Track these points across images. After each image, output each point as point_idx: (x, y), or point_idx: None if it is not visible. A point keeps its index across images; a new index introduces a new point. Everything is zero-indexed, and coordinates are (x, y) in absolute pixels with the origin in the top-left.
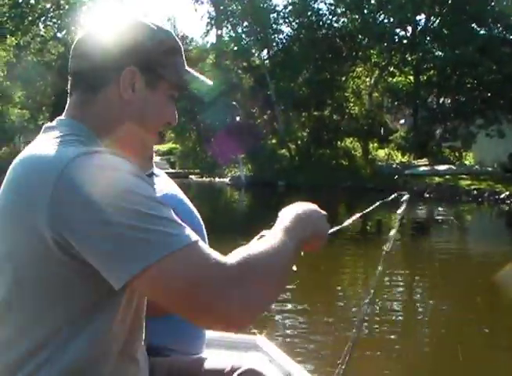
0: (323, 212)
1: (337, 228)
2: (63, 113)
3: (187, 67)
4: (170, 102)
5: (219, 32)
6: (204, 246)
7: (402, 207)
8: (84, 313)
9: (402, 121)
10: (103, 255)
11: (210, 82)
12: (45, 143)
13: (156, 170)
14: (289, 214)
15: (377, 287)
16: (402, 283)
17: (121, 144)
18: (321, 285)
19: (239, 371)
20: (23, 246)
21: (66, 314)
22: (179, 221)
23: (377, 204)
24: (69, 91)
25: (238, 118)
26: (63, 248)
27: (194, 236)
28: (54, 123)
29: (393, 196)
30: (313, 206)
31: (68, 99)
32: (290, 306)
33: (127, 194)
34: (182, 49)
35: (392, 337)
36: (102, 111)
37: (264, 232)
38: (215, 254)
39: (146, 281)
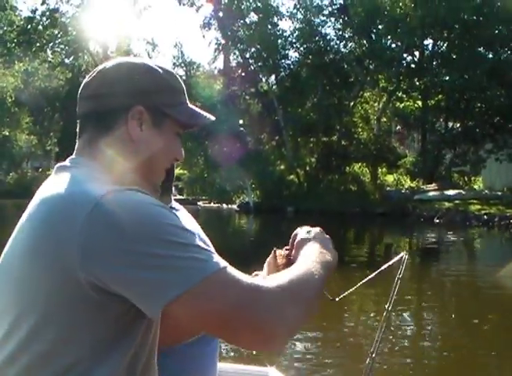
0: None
1: (345, 294)
2: (74, 153)
3: (190, 105)
4: (176, 139)
5: (227, 58)
6: (235, 270)
7: (401, 268)
8: (106, 344)
9: (411, 147)
10: (139, 284)
11: (212, 118)
12: (66, 182)
13: (175, 204)
14: (311, 242)
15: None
16: (411, 309)
17: (132, 181)
18: (331, 313)
19: None
20: (49, 285)
21: (88, 345)
22: (209, 248)
23: (382, 269)
24: (78, 132)
25: (246, 144)
26: (93, 285)
27: (224, 262)
28: (67, 162)
29: (395, 259)
30: (320, 231)
31: (77, 140)
32: (300, 336)
33: (158, 225)
34: (184, 89)
35: (404, 365)
36: (113, 151)
37: (257, 272)
38: (248, 278)
39: (183, 306)
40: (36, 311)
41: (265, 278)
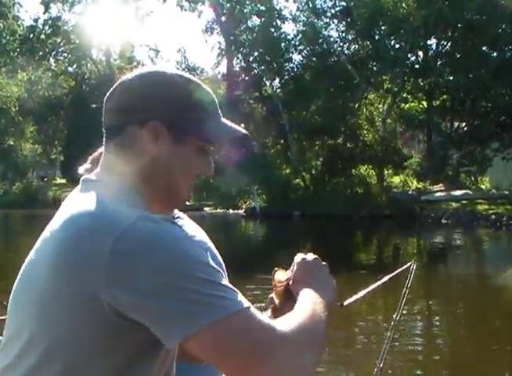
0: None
1: (352, 300)
2: (100, 166)
3: (222, 119)
4: (200, 155)
5: (230, 62)
6: (257, 311)
7: (410, 278)
8: (121, 371)
9: (416, 148)
10: (161, 314)
11: (243, 131)
12: (95, 201)
13: (178, 213)
14: (310, 276)
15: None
16: (420, 312)
17: (155, 197)
18: (337, 320)
19: None
20: (70, 303)
21: (101, 372)
22: (232, 287)
23: (388, 277)
24: (104, 144)
25: (251, 149)
26: (115, 310)
27: (247, 302)
28: (93, 177)
29: (403, 268)
30: (318, 260)
31: (103, 152)
32: None
33: (185, 259)
34: (216, 102)
35: (414, 369)
36: (132, 166)
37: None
38: (268, 320)
39: (200, 342)
40: (52, 329)
41: (279, 319)
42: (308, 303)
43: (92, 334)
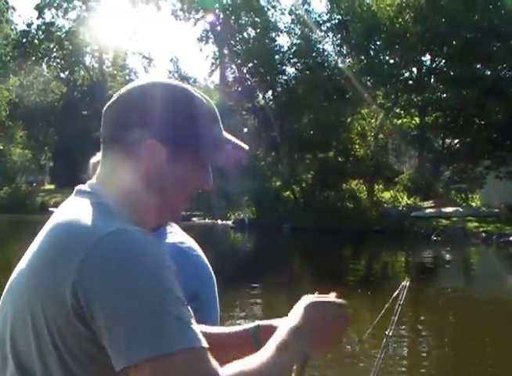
0: (339, 303)
1: (368, 332)
2: (96, 177)
3: (223, 134)
4: (198, 169)
5: (223, 72)
6: (209, 355)
7: (403, 294)
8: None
9: (407, 163)
10: (112, 335)
11: (246, 147)
12: (80, 212)
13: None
14: (296, 319)
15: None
16: (409, 328)
17: (150, 211)
18: None
19: None
20: (47, 308)
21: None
22: (195, 323)
23: (390, 300)
24: (101, 155)
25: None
26: (79, 314)
27: (204, 342)
28: (87, 187)
29: (399, 289)
30: (326, 303)
31: (100, 163)
32: None
33: (153, 284)
34: (217, 116)
35: None
36: (126, 181)
37: (257, 322)
38: (217, 366)
39: (143, 372)
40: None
41: (228, 366)
42: (269, 351)
43: (65, 343)
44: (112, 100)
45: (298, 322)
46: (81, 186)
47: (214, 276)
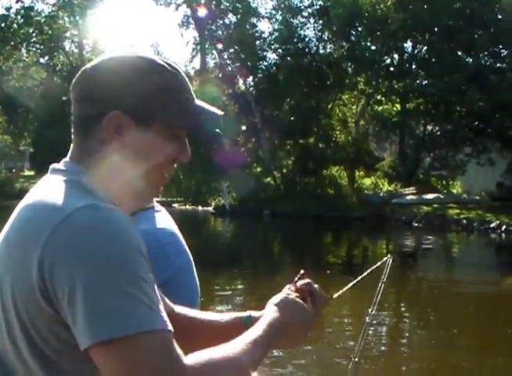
0: (307, 311)
1: (340, 293)
2: (68, 155)
3: (195, 102)
4: (171, 140)
5: (204, 58)
6: (173, 340)
7: (386, 271)
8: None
9: (388, 150)
10: (75, 314)
11: (220, 112)
12: (51, 189)
13: (156, 205)
14: (271, 322)
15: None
16: (388, 315)
17: (125, 188)
18: None
19: None
20: (15, 288)
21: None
22: (162, 308)
23: (368, 272)
24: (72, 133)
25: (222, 146)
26: (44, 294)
27: (170, 327)
28: (61, 165)
29: (380, 263)
30: (298, 310)
31: (73, 138)
32: None
33: (117, 263)
34: (187, 83)
35: (385, 368)
36: (97, 156)
37: (249, 312)
38: (180, 351)
39: (105, 353)
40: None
41: (196, 354)
42: (240, 342)
43: (34, 323)
44: (77, 76)
45: (273, 316)
46: (55, 165)
47: (191, 263)
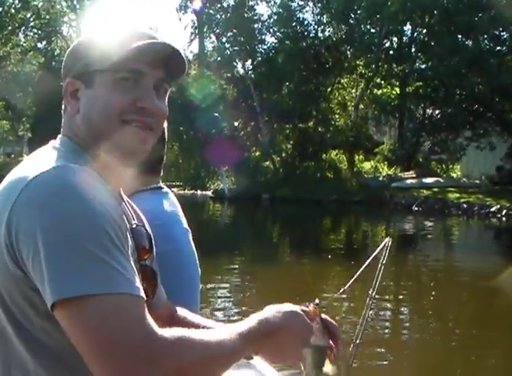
0: (308, 324)
1: (346, 287)
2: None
3: (140, 42)
4: (122, 85)
5: (202, 42)
6: (143, 306)
7: (385, 253)
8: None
9: (387, 134)
10: (40, 274)
11: (168, 43)
12: (36, 156)
13: (163, 187)
14: (266, 317)
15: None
16: (388, 299)
17: (103, 153)
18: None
19: None
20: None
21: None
22: (132, 271)
23: (369, 260)
24: None
25: (221, 130)
26: (12, 255)
27: (139, 291)
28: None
29: (379, 248)
30: (298, 319)
31: None
32: None
33: (82, 224)
34: (136, 33)
35: (382, 351)
36: (71, 125)
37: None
38: (151, 320)
39: (66, 311)
40: None
41: (173, 328)
42: (225, 331)
43: (11, 289)
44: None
45: (265, 314)
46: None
47: (179, 253)
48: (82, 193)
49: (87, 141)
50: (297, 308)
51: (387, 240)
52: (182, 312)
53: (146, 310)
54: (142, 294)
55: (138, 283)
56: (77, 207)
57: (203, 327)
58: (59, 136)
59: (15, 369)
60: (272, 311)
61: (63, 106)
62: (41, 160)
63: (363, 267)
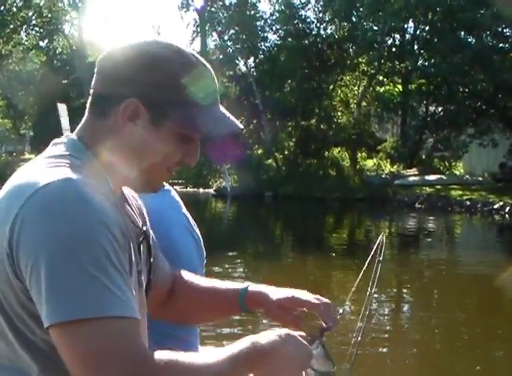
0: (304, 345)
1: (342, 310)
2: (76, 130)
3: (216, 110)
4: (182, 141)
5: (204, 40)
6: (136, 328)
7: (380, 250)
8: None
9: (390, 131)
10: (37, 292)
11: (239, 126)
12: (35, 164)
13: (165, 185)
14: (257, 341)
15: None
16: (389, 297)
17: (122, 176)
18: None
19: None
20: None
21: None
22: (129, 291)
23: (368, 259)
24: (87, 106)
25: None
26: (12, 267)
27: (135, 312)
28: (62, 139)
29: (376, 245)
30: (292, 341)
31: (85, 114)
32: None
33: (82, 242)
34: (212, 88)
35: (384, 351)
36: (106, 138)
37: (247, 283)
38: (143, 341)
39: (61, 334)
40: None
41: (164, 352)
42: (215, 357)
43: (10, 300)
44: (105, 54)
45: (261, 336)
46: (57, 139)
47: (202, 246)
48: (85, 212)
49: (107, 160)
50: (294, 332)
51: (381, 236)
52: (187, 276)
53: (140, 332)
54: (137, 315)
55: (132, 303)
56: (80, 228)
57: (207, 291)
58: (70, 136)
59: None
60: (266, 334)
61: (89, 106)
62: (47, 166)
63: (360, 275)
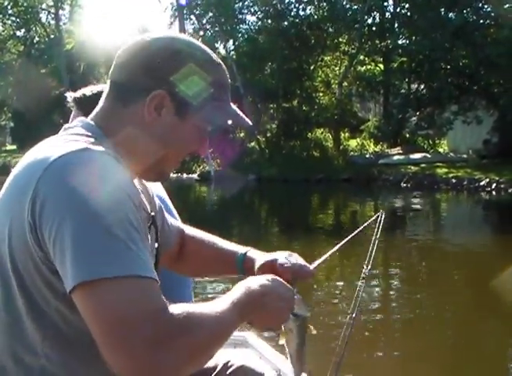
0: (289, 288)
1: (320, 261)
2: (91, 115)
3: (230, 105)
4: (198, 133)
5: (182, 24)
6: (158, 289)
7: (378, 227)
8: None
9: (372, 111)
10: (61, 256)
11: (249, 122)
12: (50, 141)
13: None
14: (250, 286)
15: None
16: (380, 275)
17: (138, 164)
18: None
19: (231, 369)
20: (12, 228)
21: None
22: (148, 254)
23: (359, 229)
24: (103, 95)
25: None
26: (34, 234)
27: (154, 275)
28: (74, 123)
29: (370, 220)
30: (279, 284)
31: (100, 102)
32: None
33: (107, 206)
34: (228, 86)
35: (376, 330)
36: (125, 126)
37: (247, 249)
38: (165, 301)
39: (85, 294)
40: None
41: (179, 306)
42: (221, 304)
43: (29, 267)
44: (128, 45)
45: (258, 288)
46: (68, 124)
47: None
48: (108, 177)
49: (126, 148)
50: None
51: (379, 213)
52: (190, 231)
53: (160, 291)
54: (156, 276)
55: (151, 265)
56: (103, 192)
57: (209, 243)
58: (84, 119)
59: (22, 350)
60: (255, 278)
61: (108, 91)
62: (64, 142)
63: (351, 236)
